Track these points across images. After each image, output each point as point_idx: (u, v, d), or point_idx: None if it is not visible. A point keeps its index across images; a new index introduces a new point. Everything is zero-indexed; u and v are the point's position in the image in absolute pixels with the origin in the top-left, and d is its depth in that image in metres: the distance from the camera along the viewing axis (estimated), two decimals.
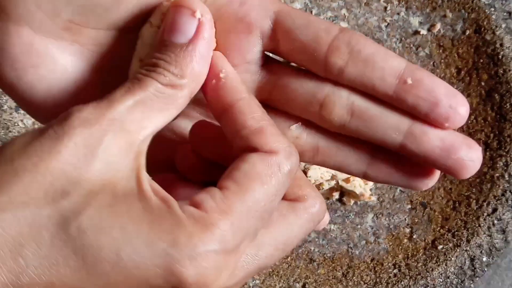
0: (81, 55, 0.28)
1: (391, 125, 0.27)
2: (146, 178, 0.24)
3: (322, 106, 0.27)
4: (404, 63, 0.27)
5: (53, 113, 0.26)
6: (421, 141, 0.27)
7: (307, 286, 0.53)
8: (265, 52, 0.29)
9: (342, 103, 0.27)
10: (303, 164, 0.52)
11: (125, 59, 0.28)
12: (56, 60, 0.27)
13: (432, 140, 0.26)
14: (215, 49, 0.27)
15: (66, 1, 0.26)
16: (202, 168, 0.29)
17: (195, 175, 0.29)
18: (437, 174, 0.28)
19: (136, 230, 0.22)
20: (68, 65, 0.28)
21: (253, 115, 0.26)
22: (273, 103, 0.29)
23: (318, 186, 0.55)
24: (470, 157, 0.26)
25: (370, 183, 0.54)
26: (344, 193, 0.55)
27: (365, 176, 0.29)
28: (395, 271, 0.53)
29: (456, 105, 0.26)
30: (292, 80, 0.28)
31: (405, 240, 0.54)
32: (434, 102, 0.26)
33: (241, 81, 0.27)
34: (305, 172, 0.53)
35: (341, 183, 0.53)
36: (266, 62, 0.29)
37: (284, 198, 0.27)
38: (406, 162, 0.28)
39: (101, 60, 0.28)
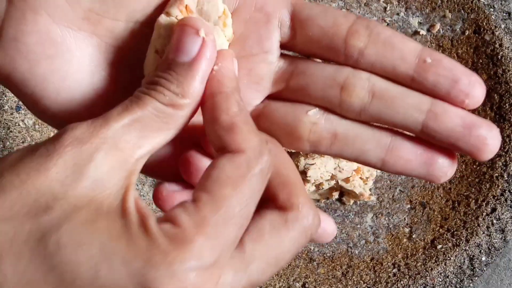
0: (98, 47, 0.27)
1: (412, 105, 0.27)
2: (132, 196, 0.24)
3: (343, 88, 0.27)
4: (420, 45, 0.27)
5: (64, 112, 0.27)
6: (443, 119, 0.27)
7: (307, 285, 0.53)
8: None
9: (362, 85, 0.27)
10: (303, 163, 0.52)
11: (142, 54, 0.27)
12: (72, 51, 0.27)
13: (453, 117, 0.26)
14: (236, 41, 0.28)
15: None
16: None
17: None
18: (456, 162, 0.28)
19: (114, 247, 0.22)
20: (84, 58, 0.27)
21: (228, 111, 0.25)
22: (290, 93, 0.29)
23: (318, 186, 0.55)
24: (491, 135, 0.26)
25: (370, 183, 0.54)
26: (343, 193, 0.56)
27: (384, 165, 0.28)
28: (394, 270, 0.53)
29: (475, 83, 0.26)
30: (311, 66, 0.28)
31: (405, 240, 0.54)
32: (454, 79, 0.26)
33: (233, 78, 0.26)
34: (305, 171, 0.53)
35: (341, 183, 0.54)
36: (284, 54, 0.29)
37: (276, 205, 0.26)
38: (426, 148, 0.28)
39: (118, 54, 0.28)
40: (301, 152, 0.52)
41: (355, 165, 0.53)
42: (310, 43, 0.28)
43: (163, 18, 0.27)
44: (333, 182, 0.54)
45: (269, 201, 0.26)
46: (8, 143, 0.51)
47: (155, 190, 0.29)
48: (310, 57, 0.29)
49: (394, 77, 0.27)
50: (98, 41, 0.27)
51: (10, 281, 0.21)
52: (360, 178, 0.54)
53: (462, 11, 0.56)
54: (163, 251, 0.22)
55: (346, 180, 0.53)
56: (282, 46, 0.29)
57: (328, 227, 0.29)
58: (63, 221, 0.22)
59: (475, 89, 0.27)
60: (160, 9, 0.27)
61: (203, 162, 0.28)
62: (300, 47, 0.29)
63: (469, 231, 0.53)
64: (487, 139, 0.26)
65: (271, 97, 0.29)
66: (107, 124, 0.24)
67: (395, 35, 0.27)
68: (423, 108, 0.27)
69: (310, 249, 0.55)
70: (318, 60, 0.29)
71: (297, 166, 0.53)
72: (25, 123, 0.53)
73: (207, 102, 0.26)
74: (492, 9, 0.55)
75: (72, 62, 0.27)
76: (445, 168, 0.28)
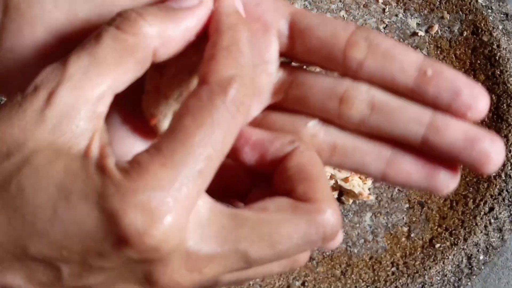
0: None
1: (412, 118, 0.26)
2: (97, 140, 0.23)
3: (342, 100, 0.27)
4: (422, 56, 0.26)
5: None
6: (444, 132, 0.26)
7: (306, 284, 0.53)
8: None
9: (362, 97, 0.27)
10: None
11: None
12: None
13: (455, 130, 0.26)
14: None
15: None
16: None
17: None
18: (459, 174, 0.27)
19: (71, 186, 0.22)
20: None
21: (215, 44, 0.24)
22: (289, 103, 0.28)
23: None
24: (494, 149, 0.25)
25: (369, 183, 0.55)
26: (342, 192, 0.56)
27: (384, 177, 0.27)
28: (393, 269, 0.53)
29: (478, 95, 0.26)
30: (310, 77, 0.28)
31: (403, 239, 0.54)
32: (455, 92, 0.26)
33: (232, 13, 0.26)
34: None
35: (340, 182, 0.54)
36: (283, 64, 0.29)
37: (292, 197, 0.25)
38: (427, 161, 0.27)
39: None
40: None
41: None
42: (309, 54, 0.28)
43: None
44: (332, 182, 0.54)
45: (286, 195, 0.25)
46: None
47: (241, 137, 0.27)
48: (309, 65, 0.29)
49: (394, 89, 0.27)
50: None
51: None
52: (359, 178, 0.54)
53: (460, 12, 0.56)
54: (117, 183, 0.21)
55: (345, 179, 0.54)
56: (281, 54, 0.28)
57: None
58: (22, 165, 0.22)
59: (478, 101, 0.26)
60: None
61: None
62: (299, 56, 0.28)
63: (467, 230, 0.53)
64: (490, 153, 0.25)
65: (270, 107, 0.29)
66: (65, 67, 0.23)
67: (396, 46, 0.27)
68: (423, 121, 0.26)
69: None
70: (318, 69, 0.29)
71: None
72: None
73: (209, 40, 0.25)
74: (490, 11, 0.55)
75: None
76: (447, 181, 0.27)
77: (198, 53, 0.26)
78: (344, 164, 0.28)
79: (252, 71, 0.25)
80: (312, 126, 0.28)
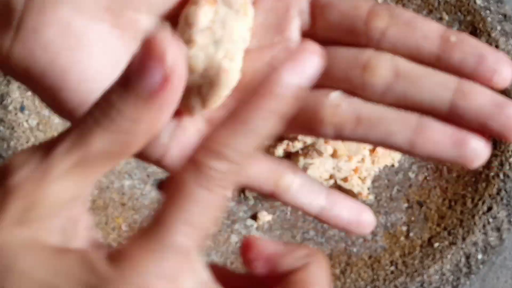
0: (121, 40, 0.26)
1: (439, 83, 0.25)
2: (83, 228, 0.23)
3: (365, 68, 0.26)
4: (443, 26, 0.26)
5: (83, 105, 0.26)
6: (471, 97, 0.25)
7: None
8: None
9: (386, 64, 0.26)
10: (302, 163, 0.53)
11: None
12: (93, 43, 0.26)
13: (482, 96, 0.25)
14: (256, 31, 0.28)
15: None
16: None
17: None
18: (490, 145, 0.26)
19: (59, 285, 0.21)
20: (106, 50, 0.26)
21: (239, 116, 0.23)
22: None
23: None
24: None
25: (368, 182, 0.55)
26: (342, 192, 0.56)
27: (412, 147, 0.26)
28: (392, 268, 0.53)
29: (502, 60, 0.25)
30: (331, 49, 0.27)
31: (402, 238, 0.55)
32: (480, 56, 0.25)
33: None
34: (304, 170, 0.54)
35: (339, 182, 0.54)
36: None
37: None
38: (456, 130, 0.26)
39: None
40: (300, 151, 0.53)
41: (353, 165, 0.53)
42: (331, 29, 0.27)
43: (191, 8, 0.26)
44: (331, 182, 0.54)
45: None
46: (12, 143, 0.52)
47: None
48: (331, 45, 0.28)
49: (418, 57, 0.26)
50: (121, 34, 0.26)
51: None
52: (359, 177, 0.54)
53: (459, 13, 0.57)
54: (106, 276, 0.21)
55: (345, 179, 0.54)
56: (303, 34, 0.28)
57: (365, 218, 0.29)
58: (6, 271, 0.21)
59: (502, 66, 0.25)
60: (184, 2, 0.27)
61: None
62: (320, 34, 0.28)
63: (465, 229, 0.53)
64: None
65: None
66: (51, 168, 0.22)
67: (417, 17, 0.26)
68: (450, 86, 0.25)
69: (309, 247, 0.55)
70: None
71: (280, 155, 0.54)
72: (29, 124, 0.53)
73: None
74: (488, 11, 0.56)
75: (93, 54, 0.26)
76: (478, 150, 0.26)
77: (226, 28, 0.26)
78: (369, 136, 0.27)
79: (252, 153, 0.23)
80: (335, 98, 0.27)
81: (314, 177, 0.54)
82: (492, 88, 0.26)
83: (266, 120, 0.22)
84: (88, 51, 0.26)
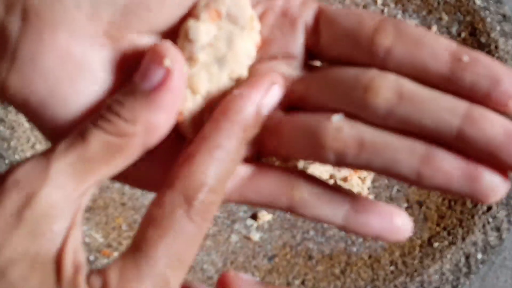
0: (121, 64, 0.25)
1: (446, 108, 0.23)
2: (71, 243, 0.23)
3: (367, 89, 0.24)
4: (455, 43, 0.24)
5: (76, 125, 0.25)
6: (482, 125, 0.23)
7: (305, 282, 0.53)
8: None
9: (389, 85, 0.24)
10: (302, 162, 0.53)
11: None
12: (95, 70, 0.25)
13: (494, 123, 0.23)
14: (260, 46, 0.27)
15: (108, 0, 0.24)
16: None
17: None
18: (509, 181, 0.23)
19: None
20: (108, 77, 0.25)
21: (205, 137, 0.24)
22: (310, 98, 0.26)
23: None
24: None
25: (368, 182, 0.55)
26: None
27: (419, 178, 0.24)
28: (392, 268, 0.53)
29: None
30: (333, 69, 0.26)
31: None
32: (495, 79, 0.23)
33: (242, 111, 0.24)
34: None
35: (339, 182, 0.54)
36: (308, 61, 0.27)
37: None
38: (468, 162, 0.23)
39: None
40: None
41: None
42: (335, 44, 0.26)
43: (191, 22, 0.25)
44: (331, 181, 0.54)
45: None
46: (12, 142, 0.52)
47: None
48: (335, 61, 0.27)
49: (426, 78, 0.24)
50: (121, 56, 0.25)
51: None
52: (358, 177, 0.54)
53: (458, 13, 0.57)
54: None
55: (344, 179, 0.54)
56: (307, 50, 0.27)
57: (398, 222, 0.26)
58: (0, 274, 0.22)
59: None
60: (185, 18, 0.26)
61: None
62: (325, 50, 0.27)
63: (465, 229, 0.53)
64: None
65: (292, 106, 0.27)
66: (49, 165, 0.22)
67: (426, 33, 0.24)
68: (458, 111, 0.23)
69: (309, 247, 0.55)
70: None
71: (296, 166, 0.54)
72: (29, 123, 0.53)
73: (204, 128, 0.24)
74: (487, 12, 0.56)
75: (95, 82, 0.25)
76: (493, 185, 0.23)
77: (231, 46, 0.26)
78: (373, 163, 0.24)
79: (230, 174, 0.24)
80: (337, 121, 0.25)
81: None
82: (507, 115, 0.23)
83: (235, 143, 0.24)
84: (90, 79, 0.25)
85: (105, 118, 0.23)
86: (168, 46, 0.24)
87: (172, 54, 0.23)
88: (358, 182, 0.54)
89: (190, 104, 0.26)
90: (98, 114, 0.23)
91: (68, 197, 0.23)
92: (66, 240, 0.23)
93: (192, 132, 0.26)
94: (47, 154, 0.23)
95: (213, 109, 0.25)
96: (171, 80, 0.23)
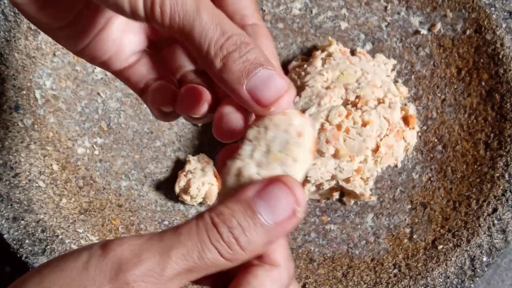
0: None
1: None
2: None
3: None
4: None
5: None
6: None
7: (307, 286, 0.53)
8: None
9: None
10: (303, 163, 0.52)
11: None
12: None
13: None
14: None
15: None
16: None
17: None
18: None
19: None
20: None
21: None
22: None
23: (319, 186, 0.55)
24: None
25: (371, 183, 0.54)
26: (344, 193, 0.55)
27: None
28: (395, 271, 0.53)
29: None
30: None
31: (405, 240, 0.54)
32: None
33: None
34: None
35: (341, 183, 0.53)
36: None
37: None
38: None
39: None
40: None
41: (355, 165, 0.53)
42: None
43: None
44: (333, 182, 0.54)
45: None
46: (6, 142, 0.51)
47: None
48: None
49: None
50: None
51: None
52: (361, 178, 0.54)
53: (463, 10, 0.56)
54: None
55: (347, 180, 0.53)
56: None
57: None
58: None
59: None
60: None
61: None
62: None
63: (470, 231, 0.52)
64: None
65: None
66: (167, 269, 0.25)
67: None
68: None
69: (311, 249, 0.54)
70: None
71: None
72: (24, 123, 0.52)
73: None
74: (493, 9, 0.55)
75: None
76: None
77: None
78: None
79: None
80: None
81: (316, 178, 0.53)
82: None
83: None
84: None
85: (223, 239, 0.25)
86: (297, 186, 0.27)
87: (302, 202, 0.26)
88: (361, 183, 0.53)
89: (235, 162, 0.28)
90: (216, 229, 0.25)
91: None
92: None
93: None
94: (164, 254, 0.25)
95: None
96: (294, 222, 0.26)
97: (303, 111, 0.52)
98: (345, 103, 0.52)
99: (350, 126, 0.51)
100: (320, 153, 0.52)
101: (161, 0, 0.26)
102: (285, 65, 0.57)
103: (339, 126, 0.51)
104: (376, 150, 0.52)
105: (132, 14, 0.27)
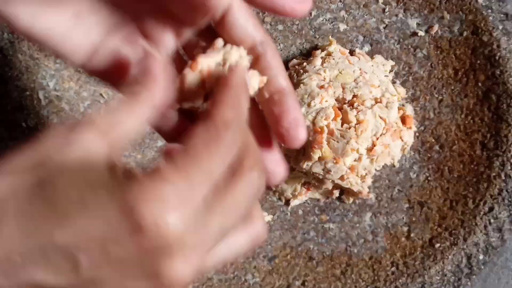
0: None
1: None
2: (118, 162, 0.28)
3: None
4: None
5: None
6: None
7: (306, 283, 0.53)
8: None
9: None
10: (304, 163, 0.52)
11: None
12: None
13: None
14: None
15: None
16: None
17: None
18: None
19: (100, 182, 0.26)
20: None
21: (225, 92, 0.31)
22: None
23: (318, 186, 0.55)
24: None
25: (369, 181, 0.54)
26: (343, 191, 0.56)
27: None
28: (393, 269, 0.53)
29: None
30: None
31: (403, 239, 0.54)
32: None
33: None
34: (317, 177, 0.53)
35: (337, 181, 0.54)
36: None
37: None
38: None
39: None
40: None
41: (343, 166, 0.52)
42: None
43: (188, 72, 0.33)
44: (330, 183, 0.54)
45: None
46: (10, 143, 0.52)
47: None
48: None
49: None
50: None
51: (14, 214, 0.26)
52: (357, 175, 0.54)
53: (460, 12, 0.56)
54: (139, 181, 0.26)
55: (341, 178, 0.53)
56: None
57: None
58: (55, 171, 0.26)
59: None
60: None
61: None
62: None
63: (466, 230, 0.53)
64: None
65: None
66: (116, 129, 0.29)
67: None
68: None
69: (310, 248, 0.55)
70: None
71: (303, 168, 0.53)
72: (27, 124, 0.53)
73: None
74: (489, 11, 0.55)
75: None
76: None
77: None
78: None
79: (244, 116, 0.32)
80: None
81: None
82: None
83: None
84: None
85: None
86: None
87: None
88: (357, 180, 0.54)
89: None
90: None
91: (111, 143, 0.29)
92: (113, 159, 0.28)
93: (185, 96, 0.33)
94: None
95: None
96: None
97: None
98: (342, 102, 0.53)
99: (334, 128, 0.51)
100: (307, 157, 0.52)
101: None
102: (285, 65, 0.58)
103: (321, 130, 0.51)
104: (371, 148, 0.52)
105: None
